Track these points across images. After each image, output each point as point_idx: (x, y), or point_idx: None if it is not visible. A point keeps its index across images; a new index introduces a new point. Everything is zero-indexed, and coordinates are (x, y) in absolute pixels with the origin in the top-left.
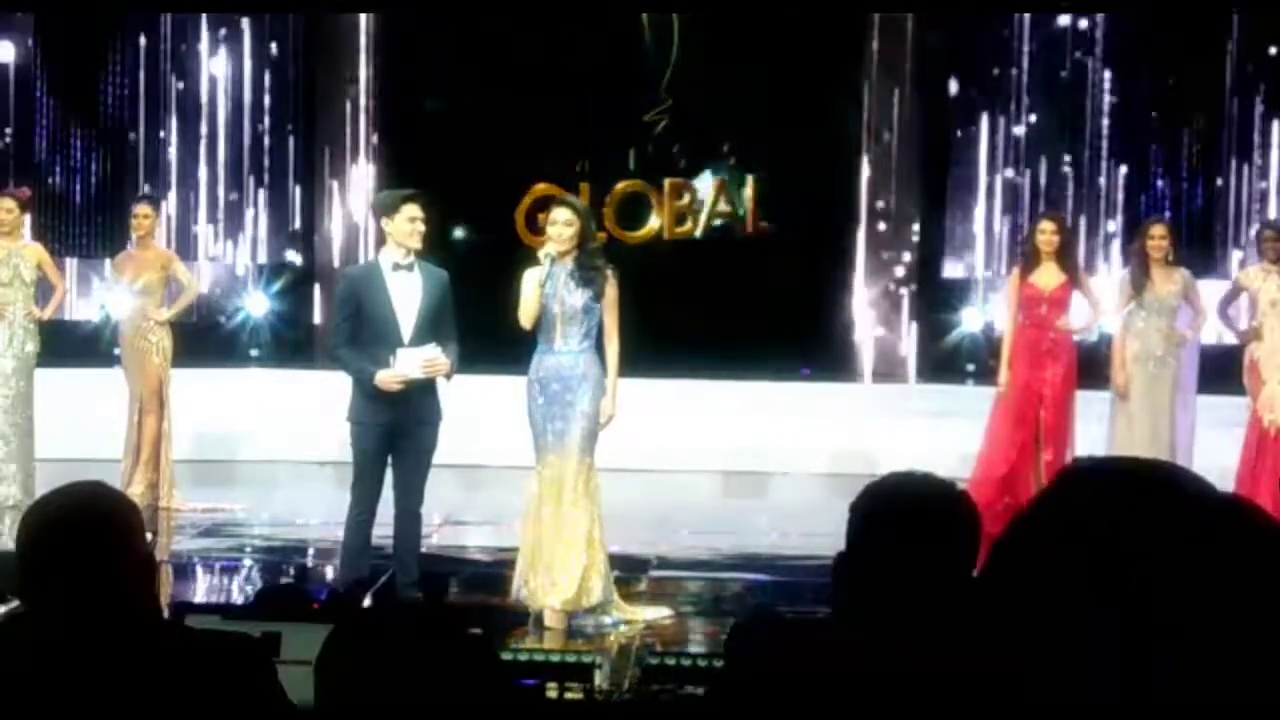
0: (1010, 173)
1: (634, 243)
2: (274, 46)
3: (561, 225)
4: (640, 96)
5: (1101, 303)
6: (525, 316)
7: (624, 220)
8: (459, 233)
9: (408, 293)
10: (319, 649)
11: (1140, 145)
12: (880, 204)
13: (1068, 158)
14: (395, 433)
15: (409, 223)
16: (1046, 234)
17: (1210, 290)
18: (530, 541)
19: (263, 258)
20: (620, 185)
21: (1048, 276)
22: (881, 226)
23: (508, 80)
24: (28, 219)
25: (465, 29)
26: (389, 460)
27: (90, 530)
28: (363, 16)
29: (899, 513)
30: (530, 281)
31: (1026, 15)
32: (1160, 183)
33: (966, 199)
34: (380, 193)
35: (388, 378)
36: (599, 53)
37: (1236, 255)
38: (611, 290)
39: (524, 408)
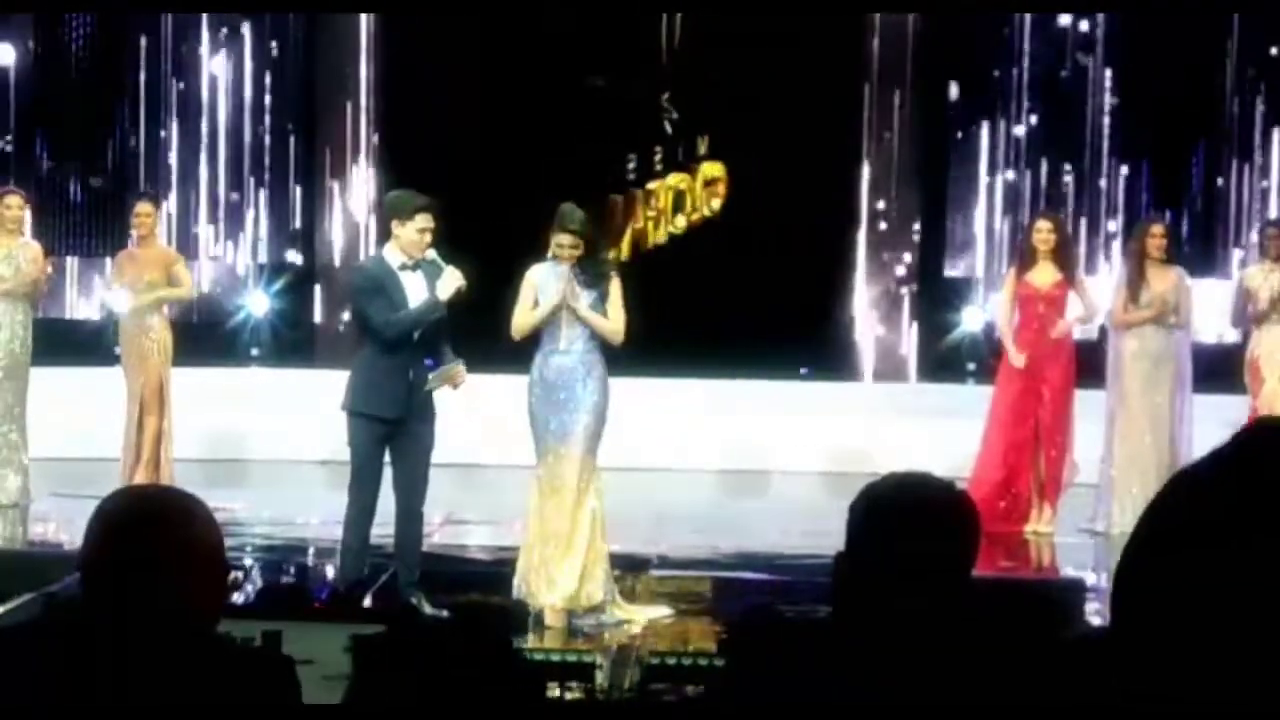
0: (1011, 173)
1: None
2: (274, 47)
3: (568, 249)
4: (641, 96)
5: (1096, 303)
6: (524, 320)
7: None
8: (459, 233)
9: (417, 292)
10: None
11: (1141, 145)
12: (881, 203)
13: (1067, 158)
14: (395, 430)
15: (418, 233)
16: (1043, 233)
17: (1208, 290)
18: (531, 540)
19: (263, 257)
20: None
21: (1044, 275)
22: (882, 226)
23: (508, 81)
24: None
25: (465, 28)
26: (387, 458)
27: (170, 543)
28: (363, 16)
29: (899, 513)
30: (529, 283)
31: (1027, 15)
32: (1161, 183)
33: (967, 198)
34: (396, 191)
35: (451, 284)
36: (600, 51)
37: (1237, 254)
38: (615, 286)
39: (524, 407)
